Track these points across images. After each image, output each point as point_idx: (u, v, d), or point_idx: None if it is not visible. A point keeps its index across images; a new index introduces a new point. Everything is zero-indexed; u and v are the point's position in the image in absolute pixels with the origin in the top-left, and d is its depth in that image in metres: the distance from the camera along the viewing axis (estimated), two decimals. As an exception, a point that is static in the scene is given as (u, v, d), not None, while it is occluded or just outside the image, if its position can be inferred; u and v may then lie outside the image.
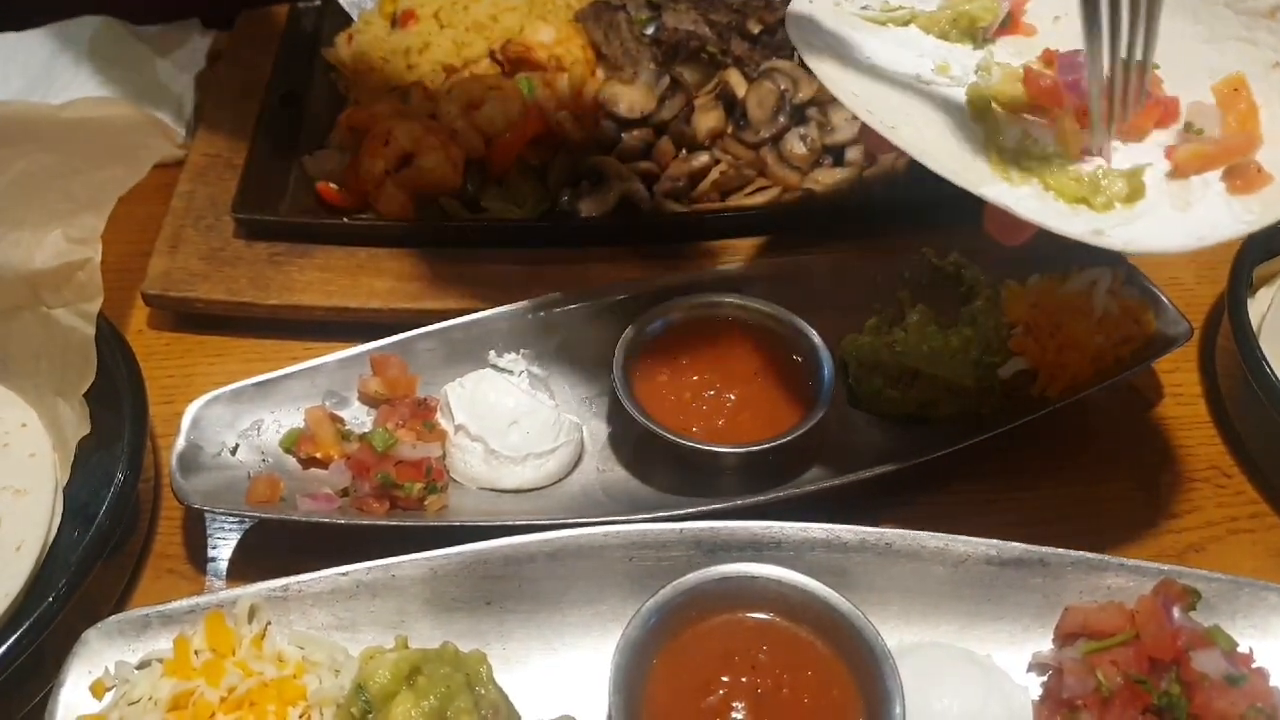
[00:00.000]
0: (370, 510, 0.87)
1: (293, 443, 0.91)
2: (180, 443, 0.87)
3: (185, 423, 0.88)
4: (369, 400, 0.95)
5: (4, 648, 0.74)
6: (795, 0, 0.84)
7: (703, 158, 1.13)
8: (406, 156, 1.11)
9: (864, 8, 0.86)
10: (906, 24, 0.85)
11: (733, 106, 1.17)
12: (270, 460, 0.90)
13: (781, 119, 1.15)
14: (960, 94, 0.80)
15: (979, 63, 0.83)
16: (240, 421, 0.91)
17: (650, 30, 1.26)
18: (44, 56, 1.30)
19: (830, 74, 0.78)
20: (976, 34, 0.86)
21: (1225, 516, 0.94)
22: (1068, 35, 0.83)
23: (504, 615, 0.81)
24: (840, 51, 0.80)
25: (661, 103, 1.15)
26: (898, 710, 0.71)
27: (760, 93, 1.16)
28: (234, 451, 0.90)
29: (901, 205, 1.14)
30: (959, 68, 0.82)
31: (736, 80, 1.18)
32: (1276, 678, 0.76)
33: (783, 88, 1.16)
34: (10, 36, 1.32)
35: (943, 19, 0.86)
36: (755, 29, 1.25)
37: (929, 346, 0.95)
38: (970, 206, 1.05)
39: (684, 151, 1.14)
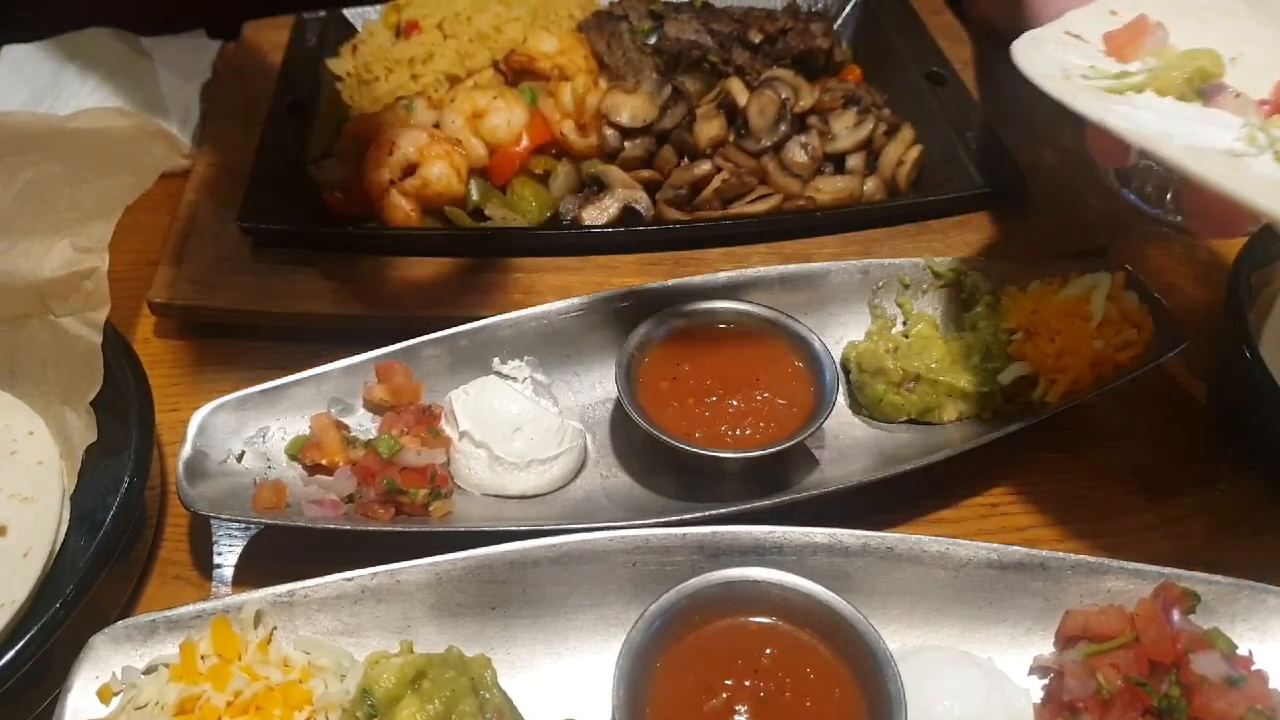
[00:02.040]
0: (375, 517, 0.87)
1: (298, 449, 0.91)
2: (186, 450, 0.87)
3: (191, 430, 0.89)
4: (374, 407, 0.96)
5: (12, 653, 0.74)
6: (1037, 78, 0.78)
7: (704, 166, 1.14)
8: (411, 166, 1.12)
9: (1084, 76, 0.82)
10: (1142, 90, 0.81)
11: (734, 115, 1.17)
12: (276, 467, 0.91)
13: (783, 127, 1.16)
14: (1267, 162, 0.75)
15: (1260, 127, 0.77)
16: (246, 429, 0.92)
17: (652, 40, 1.27)
18: (51, 68, 1.31)
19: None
20: (1205, 91, 0.82)
21: (1224, 520, 0.94)
22: (1245, 74, 0.81)
23: (508, 620, 0.81)
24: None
25: (663, 111, 1.16)
26: (900, 713, 0.71)
27: (761, 101, 1.16)
28: (240, 458, 0.90)
29: (902, 212, 1.14)
30: (1264, 136, 0.77)
31: (738, 89, 1.19)
32: (1276, 680, 0.76)
33: (784, 96, 1.17)
34: (18, 48, 1.33)
35: (1175, 79, 0.81)
36: (756, 38, 1.26)
37: (930, 352, 0.96)
38: (967, 209, 1.06)
39: (686, 160, 1.15)
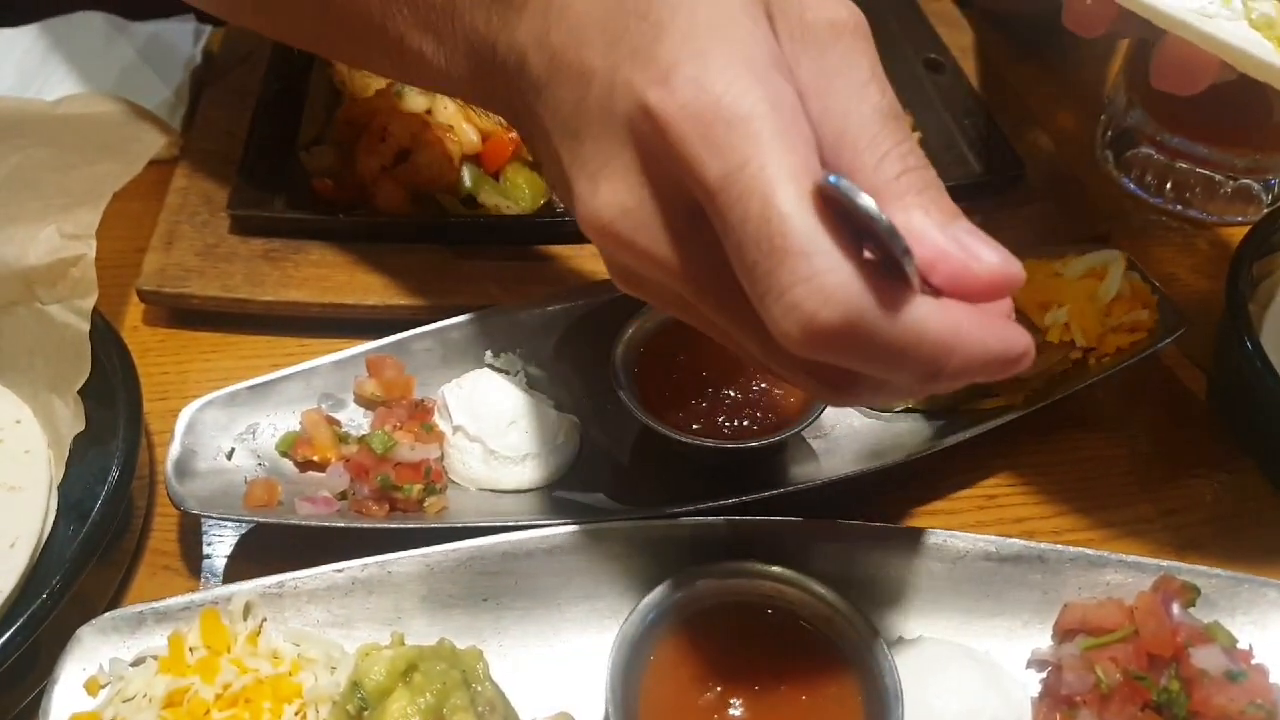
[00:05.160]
0: (369, 513, 0.86)
1: (289, 446, 0.90)
2: (175, 448, 0.86)
3: (180, 428, 0.87)
4: (365, 402, 0.94)
5: (-2, 645, 0.73)
6: None
7: (700, 153, 1.12)
8: (403, 152, 1.10)
9: None
10: None
11: (730, 102, 1.16)
12: (267, 464, 0.90)
13: (779, 115, 1.14)
14: (1240, 25, 0.78)
15: None
16: (235, 425, 0.90)
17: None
18: (39, 52, 1.30)
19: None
20: None
21: (1225, 512, 0.94)
22: None
23: (501, 612, 0.80)
24: None
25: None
26: (896, 707, 0.70)
27: (758, 88, 1.15)
28: (230, 456, 0.89)
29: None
30: (1239, 3, 0.79)
31: (734, 76, 1.18)
32: (1276, 674, 0.76)
33: (780, 83, 1.15)
34: (4, 32, 1.32)
35: None
36: (753, 24, 1.25)
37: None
38: (966, 197, 1.04)
39: (681, 147, 1.14)
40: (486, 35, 0.67)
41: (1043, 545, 0.81)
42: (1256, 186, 1.16)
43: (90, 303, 0.87)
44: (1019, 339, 0.52)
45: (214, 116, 1.21)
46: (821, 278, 0.48)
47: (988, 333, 0.51)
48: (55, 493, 0.86)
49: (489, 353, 0.97)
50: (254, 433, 0.91)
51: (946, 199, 0.54)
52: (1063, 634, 0.80)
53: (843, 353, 0.50)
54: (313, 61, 1.26)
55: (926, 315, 0.49)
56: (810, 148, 0.51)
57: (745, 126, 0.50)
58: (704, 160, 0.51)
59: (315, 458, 0.90)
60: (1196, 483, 0.96)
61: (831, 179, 0.48)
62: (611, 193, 0.57)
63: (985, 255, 0.51)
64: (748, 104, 0.50)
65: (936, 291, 0.52)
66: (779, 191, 0.48)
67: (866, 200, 0.47)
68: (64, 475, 0.87)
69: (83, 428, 0.86)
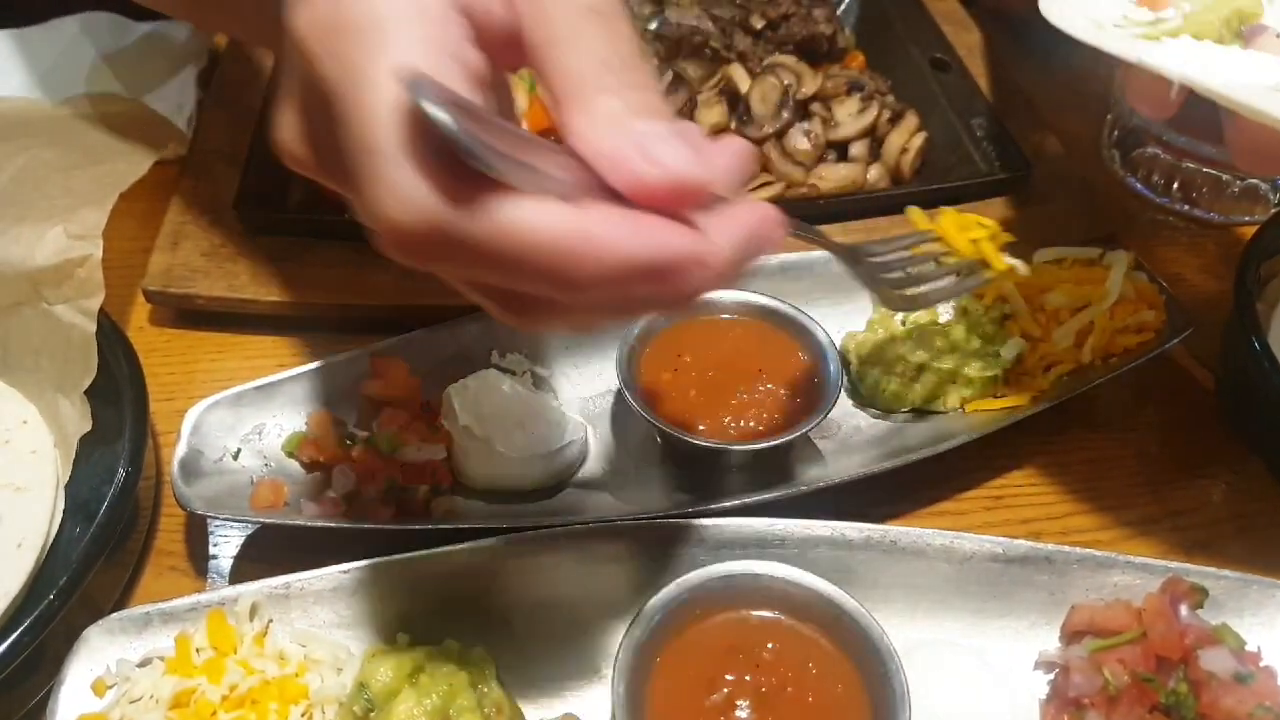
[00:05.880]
0: (376, 514, 0.86)
1: (295, 446, 0.90)
2: (181, 449, 0.86)
3: (186, 428, 0.87)
4: (371, 403, 0.94)
5: (5, 646, 0.73)
6: (1067, 26, 0.79)
7: (706, 153, 1.12)
8: (408, 152, 1.10)
9: (1116, 26, 0.82)
10: (1178, 35, 0.80)
11: (736, 102, 1.16)
12: (273, 465, 0.90)
13: (785, 114, 1.14)
14: None
15: None
16: (241, 426, 0.90)
17: (653, 25, 1.26)
18: (46, 53, 1.30)
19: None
20: (1245, 33, 0.81)
21: (1233, 513, 0.93)
22: None
23: (507, 613, 0.80)
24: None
25: (664, 98, 1.14)
26: (903, 708, 0.70)
27: (763, 88, 1.15)
28: (236, 456, 0.89)
29: (905, 200, 1.13)
30: None
31: (740, 75, 1.18)
32: (1284, 676, 0.76)
33: (786, 83, 1.15)
34: (12, 33, 1.32)
35: (1213, 21, 0.80)
36: (758, 24, 1.25)
37: (931, 340, 0.95)
38: (972, 197, 1.05)
39: (687, 147, 1.14)
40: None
41: (1050, 546, 0.81)
42: (1264, 186, 1.16)
43: (96, 303, 0.87)
44: (672, 242, 0.48)
45: (219, 116, 1.21)
46: (401, 182, 0.47)
47: (629, 238, 0.47)
48: (62, 493, 0.87)
49: (495, 353, 0.97)
50: (260, 433, 0.91)
51: (652, 98, 0.51)
52: (1070, 635, 0.80)
53: (442, 259, 0.49)
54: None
55: (527, 218, 0.47)
56: (440, 50, 0.49)
57: (360, 34, 0.49)
58: (325, 70, 0.50)
59: (321, 458, 0.89)
60: (1204, 483, 0.95)
61: (409, 83, 0.45)
62: (285, 117, 0.57)
63: (664, 158, 0.48)
64: (369, 11, 0.49)
65: (621, 197, 0.49)
66: (373, 96, 0.47)
67: (435, 110, 0.44)
68: (70, 475, 0.87)
69: (89, 428, 0.86)
